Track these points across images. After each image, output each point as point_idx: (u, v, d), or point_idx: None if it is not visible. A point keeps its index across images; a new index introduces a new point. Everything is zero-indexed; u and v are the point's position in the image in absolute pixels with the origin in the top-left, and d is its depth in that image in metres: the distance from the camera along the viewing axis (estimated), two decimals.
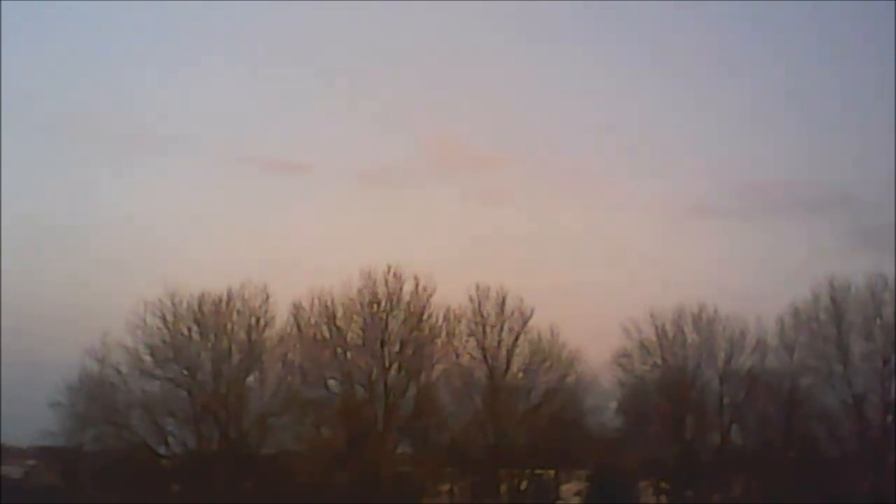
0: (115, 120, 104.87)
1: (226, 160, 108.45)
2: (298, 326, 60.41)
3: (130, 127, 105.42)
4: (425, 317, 60.45)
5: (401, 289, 60.22)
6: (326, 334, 60.15)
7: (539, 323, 62.08)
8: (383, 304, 59.94)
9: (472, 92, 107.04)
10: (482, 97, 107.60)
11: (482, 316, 61.72)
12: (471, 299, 61.66)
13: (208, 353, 59.09)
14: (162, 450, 59.86)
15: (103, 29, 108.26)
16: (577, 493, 65.65)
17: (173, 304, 58.84)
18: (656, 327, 63.10)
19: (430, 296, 60.50)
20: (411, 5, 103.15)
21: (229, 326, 59.38)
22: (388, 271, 60.12)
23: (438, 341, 61.00)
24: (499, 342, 61.77)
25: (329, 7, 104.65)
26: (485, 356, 61.66)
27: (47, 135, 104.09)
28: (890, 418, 60.21)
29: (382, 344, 59.48)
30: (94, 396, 58.40)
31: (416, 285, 60.38)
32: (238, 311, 59.55)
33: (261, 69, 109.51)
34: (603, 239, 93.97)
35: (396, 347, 59.84)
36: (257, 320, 59.68)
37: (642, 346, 63.38)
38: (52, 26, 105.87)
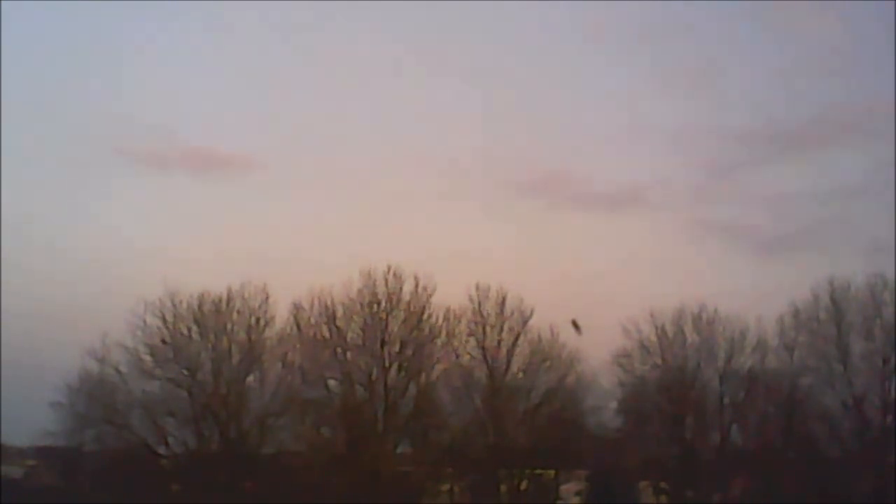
0: (112, 119, 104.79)
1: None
2: (298, 326, 60.47)
3: (128, 127, 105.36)
4: (425, 317, 60.46)
5: (401, 289, 60.28)
6: (326, 334, 60.17)
7: (539, 323, 62.23)
8: (383, 304, 59.95)
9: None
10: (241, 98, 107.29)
11: (482, 316, 61.79)
12: (471, 299, 61.81)
13: (208, 353, 59.18)
14: (162, 450, 59.96)
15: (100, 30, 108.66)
16: (577, 493, 65.62)
17: (173, 304, 58.99)
18: (656, 327, 63.03)
19: (430, 296, 60.62)
20: (175, 4, 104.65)
21: (229, 326, 59.46)
22: (388, 271, 60.23)
23: (438, 341, 61.03)
24: (499, 342, 61.81)
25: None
26: (485, 356, 61.70)
27: (46, 136, 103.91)
28: (890, 418, 60.14)
29: (382, 344, 59.49)
30: (94, 396, 58.48)
31: (416, 285, 60.46)
32: (238, 311, 59.66)
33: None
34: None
35: (396, 347, 59.85)
36: (257, 320, 59.77)
37: (642, 346, 63.30)
38: (50, 27, 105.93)
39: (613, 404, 64.01)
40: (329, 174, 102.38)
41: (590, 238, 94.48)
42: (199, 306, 59.29)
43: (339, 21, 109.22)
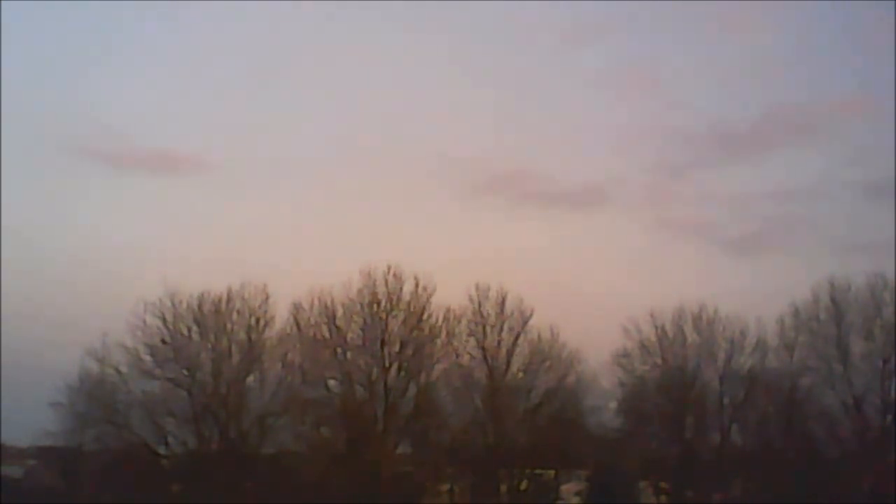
0: (112, 118, 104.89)
1: None
2: (298, 326, 60.43)
3: (127, 126, 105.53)
4: (425, 317, 60.42)
5: (401, 289, 60.24)
6: (326, 334, 60.16)
7: (539, 323, 62.23)
8: (383, 304, 59.93)
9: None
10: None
11: (482, 316, 61.73)
12: (471, 299, 61.73)
13: (208, 353, 59.13)
14: (162, 450, 59.93)
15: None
16: (577, 493, 65.61)
17: (173, 304, 58.88)
18: (656, 327, 63.04)
19: (430, 296, 60.57)
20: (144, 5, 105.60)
21: (229, 326, 59.41)
22: (388, 271, 60.20)
23: (438, 341, 60.98)
24: (499, 342, 61.77)
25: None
26: (485, 356, 61.65)
27: (45, 137, 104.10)
28: (890, 418, 60.16)
29: (382, 344, 59.48)
30: (94, 396, 58.43)
31: (416, 285, 60.44)
32: (238, 311, 59.58)
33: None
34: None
35: (396, 347, 59.83)
36: (257, 320, 59.71)
37: (642, 346, 63.31)
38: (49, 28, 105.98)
39: (613, 404, 64.16)
40: (318, 174, 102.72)
41: (568, 235, 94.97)
42: (199, 306, 59.23)
43: (311, 21, 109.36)
